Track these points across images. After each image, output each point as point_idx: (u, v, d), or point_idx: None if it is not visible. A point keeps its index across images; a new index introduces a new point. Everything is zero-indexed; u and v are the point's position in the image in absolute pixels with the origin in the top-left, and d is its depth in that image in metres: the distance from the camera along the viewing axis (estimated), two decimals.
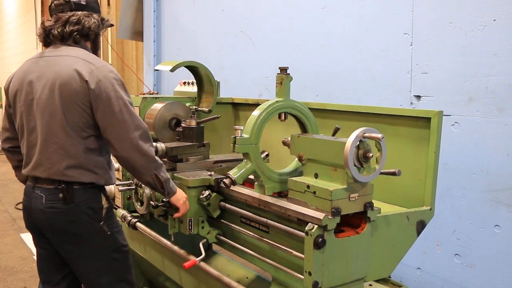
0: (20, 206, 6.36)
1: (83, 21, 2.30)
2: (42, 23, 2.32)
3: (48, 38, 2.32)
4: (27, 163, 2.29)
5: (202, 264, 2.64)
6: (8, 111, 2.41)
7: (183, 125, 3.06)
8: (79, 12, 2.29)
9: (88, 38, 2.37)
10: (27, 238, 5.24)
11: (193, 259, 2.60)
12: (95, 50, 2.44)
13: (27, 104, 2.25)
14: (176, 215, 2.51)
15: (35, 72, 2.25)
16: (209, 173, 2.72)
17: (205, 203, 2.57)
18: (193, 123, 3.05)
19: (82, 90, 2.15)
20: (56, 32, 2.28)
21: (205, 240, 2.71)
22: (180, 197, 2.46)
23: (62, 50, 2.28)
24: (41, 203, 2.24)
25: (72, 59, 2.22)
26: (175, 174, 2.70)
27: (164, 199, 2.59)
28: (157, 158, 2.31)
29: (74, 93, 2.16)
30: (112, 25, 2.54)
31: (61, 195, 2.20)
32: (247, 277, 3.03)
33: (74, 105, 2.16)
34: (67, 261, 2.38)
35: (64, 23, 2.27)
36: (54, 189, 2.22)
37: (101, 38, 2.50)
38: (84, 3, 2.32)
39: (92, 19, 2.33)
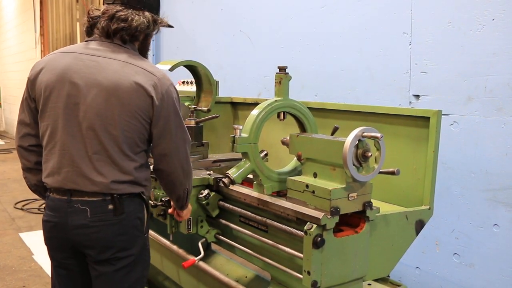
0: (19, 205, 6.43)
1: (130, 19, 2.02)
2: (88, 12, 2.07)
3: (92, 30, 2.07)
4: (56, 172, 2.01)
5: (201, 263, 2.64)
6: (30, 104, 2.08)
7: None
8: (130, 9, 2.03)
9: (136, 39, 2.10)
10: (26, 237, 5.23)
11: (192, 258, 2.60)
12: (143, 51, 2.18)
13: (69, 108, 1.97)
14: (178, 218, 2.44)
15: (81, 72, 1.97)
16: (208, 172, 2.72)
17: (204, 202, 2.57)
18: (192, 122, 3.05)
19: (146, 105, 1.97)
20: (101, 26, 2.03)
21: (204, 239, 2.71)
22: (190, 207, 2.41)
23: (113, 51, 2.02)
24: (84, 217, 1.98)
25: (130, 68, 1.98)
26: None
27: (163, 199, 2.58)
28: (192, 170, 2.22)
29: (137, 109, 1.96)
30: (171, 26, 2.29)
31: (111, 206, 2.00)
32: (246, 277, 3.03)
33: (135, 120, 1.97)
34: (95, 279, 2.10)
35: (110, 18, 2.01)
36: (102, 200, 1.99)
37: (151, 39, 2.25)
38: None
39: (141, 18, 2.04)
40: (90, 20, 2.07)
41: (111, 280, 2.07)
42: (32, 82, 2.06)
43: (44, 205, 2.17)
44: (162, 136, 2.04)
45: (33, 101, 2.07)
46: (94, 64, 1.99)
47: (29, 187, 2.24)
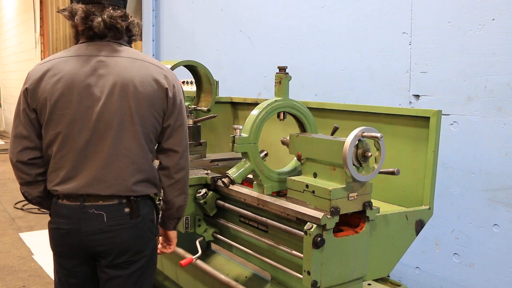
0: (19, 205, 6.42)
1: (131, 18, 2.05)
2: (85, 15, 1.96)
3: (89, 32, 1.98)
4: (70, 178, 1.96)
5: (201, 263, 2.64)
6: (29, 115, 1.99)
7: None
8: (123, 9, 2.04)
9: (133, 35, 2.12)
10: (26, 237, 5.23)
11: (189, 257, 2.60)
12: None
13: (82, 112, 1.92)
14: (166, 251, 2.29)
15: (90, 74, 1.93)
16: (205, 171, 2.73)
17: (201, 201, 2.57)
18: (190, 122, 3.05)
19: (160, 98, 1.96)
20: (101, 27, 1.96)
21: (201, 238, 2.71)
22: (176, 232, 2.28)
23: (116, 50, 2.00)
24: (100, 222, 1.94)
25: (139, 63, 1.98)
26: None
27: (161, 197, 2.58)
28: None
29: (151, 102, 1.95)
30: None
31: (127, 209, 1.97)
32: (245, 276, 3.03)
33: (149, 114, 1.96)
34: (106, 283, 2.05)
35: (109, 18, 1.97)
36: (118, 204, 1.96)
37: None
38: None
39: (135, 18, 2.09)
40: (89, 22, 1.97)
41: (123, 284, 2.04)
42: (32, 92, 1.97)
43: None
44: (174, 128, 2.03)
45: (34, 112, 1.99)
46: (101, 65, 1.95)
47: (29, 201, 2.13)
